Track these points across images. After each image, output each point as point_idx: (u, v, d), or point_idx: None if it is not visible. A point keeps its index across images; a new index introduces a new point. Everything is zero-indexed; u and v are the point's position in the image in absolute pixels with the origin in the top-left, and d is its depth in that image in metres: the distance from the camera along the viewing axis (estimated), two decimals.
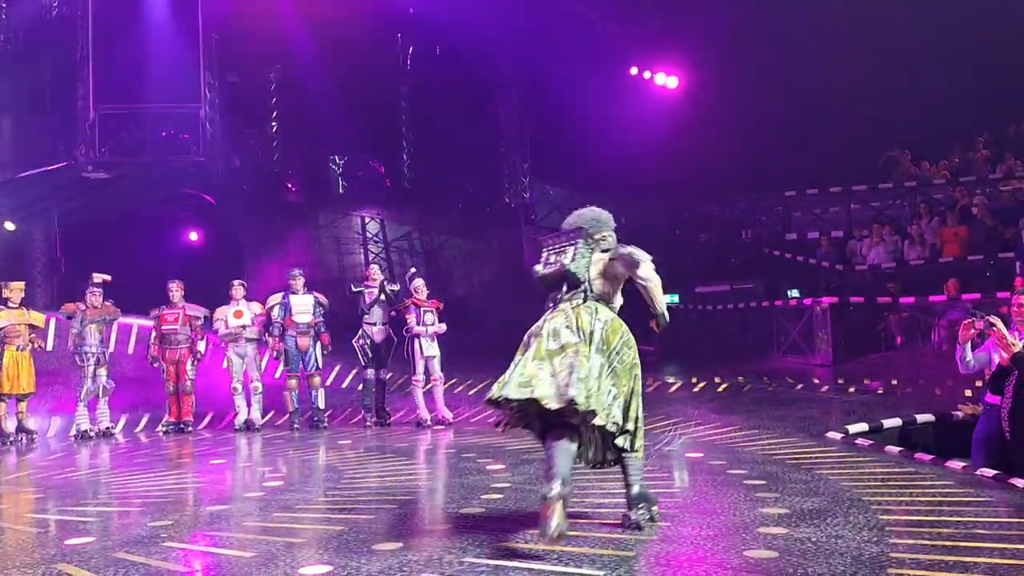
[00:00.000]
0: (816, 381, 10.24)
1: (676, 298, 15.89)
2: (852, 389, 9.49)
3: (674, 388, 10.26)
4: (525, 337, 3.84)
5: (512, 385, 3.58)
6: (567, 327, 3.71)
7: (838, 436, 6.43)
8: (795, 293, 13.34)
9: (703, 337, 14.39)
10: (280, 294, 8.87)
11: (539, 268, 4.12)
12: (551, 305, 3.96)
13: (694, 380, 10.51)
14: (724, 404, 8.69)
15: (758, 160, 15.40)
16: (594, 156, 15.70)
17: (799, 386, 9.92)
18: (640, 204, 17.78)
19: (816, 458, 5.50)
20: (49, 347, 9.65)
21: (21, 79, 16.34)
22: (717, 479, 4.89)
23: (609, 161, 15.58)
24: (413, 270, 9.06)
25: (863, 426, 6.85)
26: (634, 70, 17.23)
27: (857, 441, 6.28)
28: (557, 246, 4.10)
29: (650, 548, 3.43)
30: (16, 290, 8.61)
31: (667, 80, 17.41)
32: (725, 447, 6.12)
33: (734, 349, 13.40)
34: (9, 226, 16.06)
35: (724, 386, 10.06)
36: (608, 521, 3.91)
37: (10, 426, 8.34)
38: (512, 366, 3.70)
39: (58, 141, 15.31)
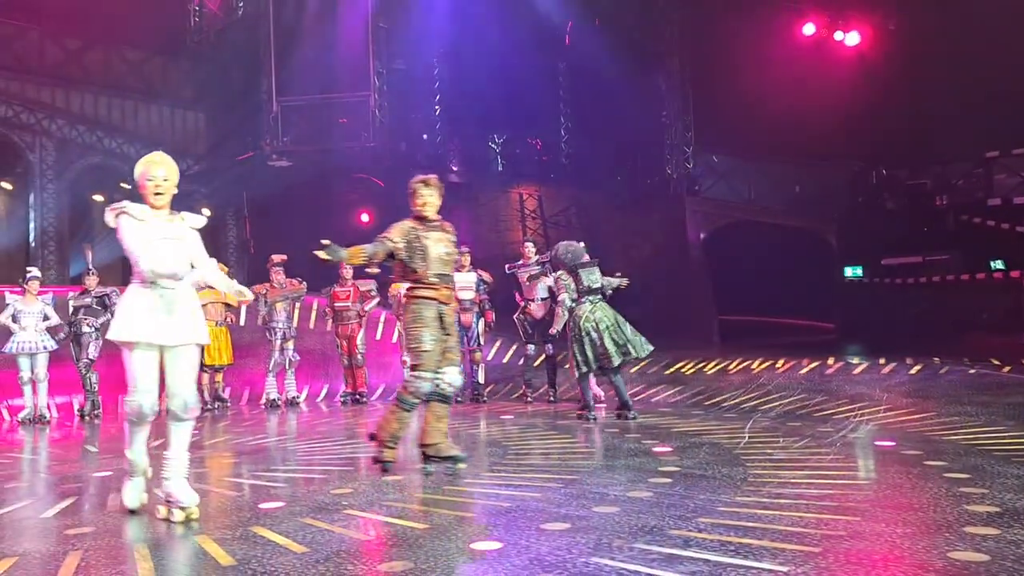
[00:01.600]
0: None
1: (860, 271, 14.85)
2: None
3: (859, 369, 9.57)
4: None
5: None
6: None
7: None
8: (999, 265, 12.06)
9: (890, 314, 13.34)
10: None
11: None
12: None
13: (881, 361, 9.75)
14: (917, 388, 7.99)
15: (953, 118, 13.97)
16: (764, 121, 14.85)
17: (1007, 369, 8.95)
18: (817, 170, 16.73)
19: None
20: (241, 323, 10.42)
21: (214, 76, 17.77)
22: (912, 471, 4.45)
23: (781, 126, 14.69)
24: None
25: None
26: (809, 28, 16.12)
27: None
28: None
29: (839, 544, 3.15)
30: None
31: (846, 37, 16.15)
32: (920, 436, 5.59)
33: (927, 327, 12.32)
34: (205, 212, 17.54)
35: (917, 368, 9.26)
36: (789, 512, 3.64)
37: (208, 394, 9.13)
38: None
39: (246, 132, 16.52)
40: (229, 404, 9.30)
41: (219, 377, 9.27)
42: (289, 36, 15.36)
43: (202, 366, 9.14)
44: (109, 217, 4.06)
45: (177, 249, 4.10)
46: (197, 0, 16.85)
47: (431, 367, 4.89)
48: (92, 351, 8.92)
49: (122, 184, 17.76)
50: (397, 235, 4.99)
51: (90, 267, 9.58)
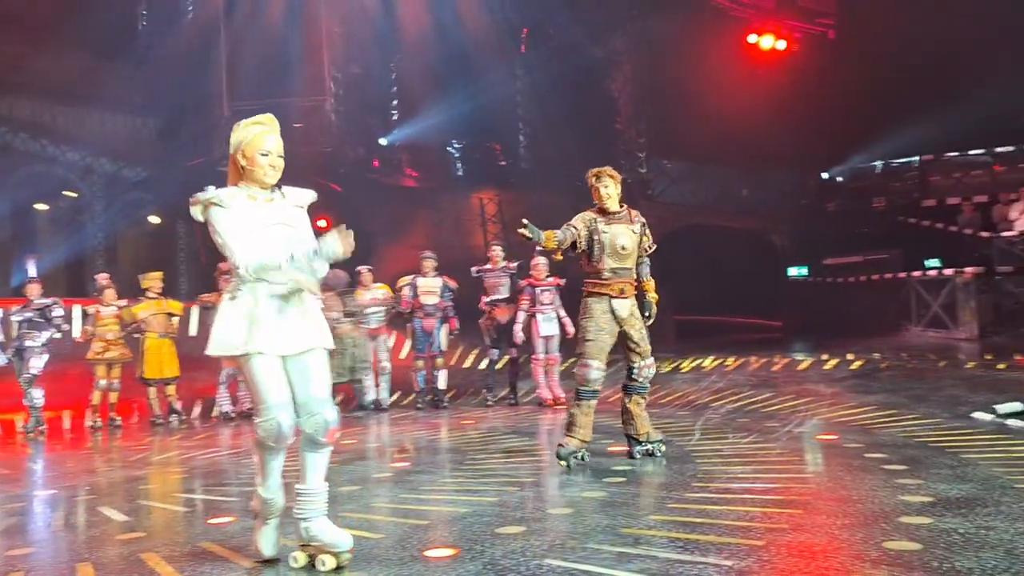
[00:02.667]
0: (961, 357, 9.60)
1: (804, 270, 15.27)
2: (1001, 365, 8.84)
3: (803, 366, 9.86)
4: None
5: None
6: None
7: (987, 417, 5.99)
8: (935, 263, 12.53)
9: (833, 312, 13.76)
10: (410, 276, 9.13)
11: None
12: None
13: (824, 357, 10.07)
14: (859, 383, 8.29)
15: (890, 123, 14.48)
16: (713, 127, 15.22)
17: (942, 363, 9.32)
18: (763, 174, 17.15)
19: (962, 441, 5.13)
20: (193, 332, 10.28)
21: (163, 81, 17.47)
22: (853, 464, 4.66)
23: (729, 132, 15.07)
24: (538, 248, 9.08)
25: (1015, 406, 6.31)
26: (752, 37, 16.55)
27: (1008, 422, 5.83)
28: None
29: (781, 537, 3.31)
30: (153, 280, 9.23)
31: (787, 45, 16.63)
32: (861, 429, 5.82)
33: (868, 324, 12.74)
34: (154, 220, 17.28)
35: (858, 363, 9.59)
36: (736, 507, 3.80)
37: (157, 408, 9.00)
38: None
39: (197, 137, 16.30)
40: (184, 416, 9.18)
41: (171, 390, 9.13)
42: (241, 39, 15.22)
43: (146, 380, 9.02)
44: (196, 211, 3.29)
45: (290, 237, 3.31)
46: (145, 5, 16.59)
47: (595, 355, 4.99)
48: (35, 366, 8.71)
49: (65, 192, 17.39)
50: (580, 224, 5.08)
51: (33, 276, 9.38)
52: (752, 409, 7.11)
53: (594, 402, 5.08)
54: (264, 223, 3.26)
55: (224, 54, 15.43)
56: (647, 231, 5.21)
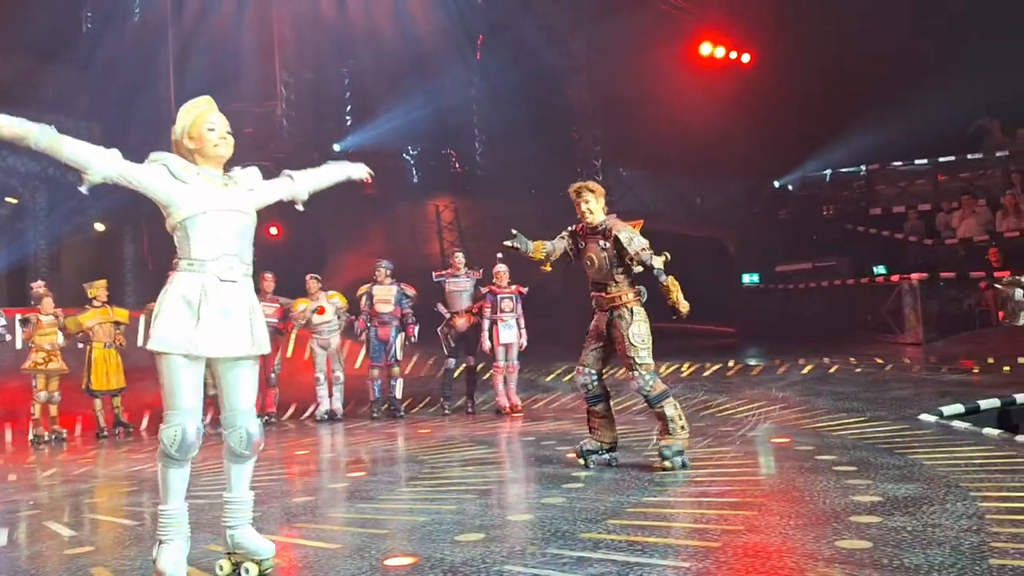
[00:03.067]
0: (907, 361, 9.86)
1: (756, 277, 15.54)
2: (945, 369, 9.11)
3: (756, 371, 10.03)
4: None
5: None
6: None
7: (932, 419, 6.17)
8: (881, 270, 12.88)
9: (784, 317, 14.03)
10: (368, 284, 9.05)
11: None
12: None
13: (777, 362, 10.25)
14: (809, 387, 8.45)
15: (837, 133, 14.86)
16: (668, 136, 15.44)
17: (888, 367, 9.56)
18: (717, 183, 17.43)
19: (909, 442, 5.28)
20: (141, 343, 10.03)
21: (108, 85, 17.05)
22: (805, 465, 4.75)
23: (684, 140, 15.31)
24: (499, 255, 9.08)
25: (958, 408, 6.55)
26: (706, 48, 16.84)
27: (952, 424, 6.02)
28: None
29: (737, 538, 3.35)
30: (99, 288, 8.96)
31: (739, 55, 16.96)
32: (812, 432, 5.94)
33: (818, 329, 13.03)
34: (99, 227, 16.83)
35: (809, 368, 9.78)
36: (693, 510, 3.84)
37: (103, 421, 8.75)
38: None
39: (144, 143, 15.91)
40: (132, 429, 8.94)
41: (117, 402, 8.88)
42: (189, 43, 14.95)
43: (92, 392, 8.75)
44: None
45: (240, 224, 3.23)
46: (89, 6, 16.19)
47: (584, 362, 5.17)
48: None
49: (7, 199, 16.86)
50: (564, 234, 5.21)
51: None
52: (707, 413, 7.21)
53: (600, 405, 5.16)
54: (221, 206, 3.18)
55: (172, 57, 15.14)
56: (628, 244, 5.01)
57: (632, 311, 5.06)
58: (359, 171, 3.82)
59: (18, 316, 9.65)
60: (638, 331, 5.03)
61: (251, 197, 3.34)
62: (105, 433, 8.69)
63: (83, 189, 3.08)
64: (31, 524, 4.60)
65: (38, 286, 9.11)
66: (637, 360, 5.00)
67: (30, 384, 8.75)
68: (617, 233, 5.06)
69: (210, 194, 3.17)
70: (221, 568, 3.27)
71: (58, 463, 7.22)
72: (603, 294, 5.15)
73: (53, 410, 8.71)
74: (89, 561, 3.65)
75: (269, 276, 9.23)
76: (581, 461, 5.08)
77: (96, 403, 8.76)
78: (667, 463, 4.82)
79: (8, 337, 8.76)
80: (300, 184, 3.55)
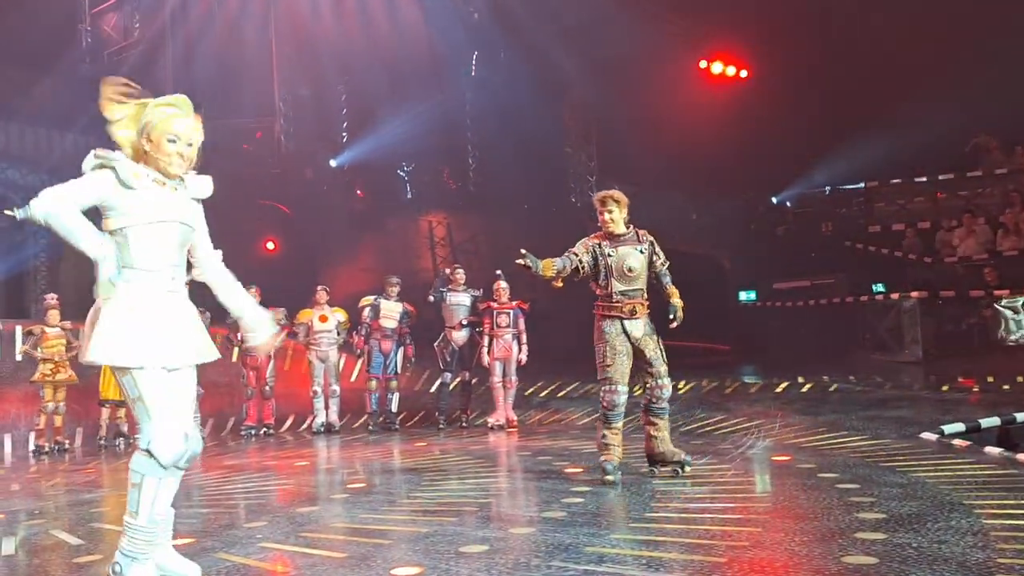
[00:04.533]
0: (907, 379, 9.87)
1: (753, 295, 15.54)
2: (945, 387, 9.11)
3: (754, 389, 10.03)
4: None
5: None
6: None
7: (933, 437, 6.16)
8: (880, 288, 12.88)
9: (782, 335, 14.03)
10: (373, 296, 9.05)
11: None
12: None
13: (775, 380, 10.24)
14: (809, 405, 8.44)
15: (836, 150, 14.93)
16: (663, 151, 15.48)
17: (888, 385, 9.56)
18: (713, 199, 17.44)
19: (911, 460, 5.27)
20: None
21: None
22: (807, 483, 4.73)
23: (679, 156, 15.36)
24: (499, 272, 9.09)
25: (959, 426, 6.54)
26: (703, 63, 16.94)
27: (954, 442, 6.01)
28: None
29: (743, 554, 3.34)
30: None
31: (736, 71, 17.05)
32: (813, 450, 5.93)
33: (816, 347, 13.02)
34: None
35: (808, 386, 9.78)
36: (696, 526, 3.82)
37: (105, 430, 8.74)
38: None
39: None
40: (132, 440, 8.90)
41: (122, 413, 8.86)
42: (188, 58, 15.00)
43: (103, 401, 8.76)
44: (88, 162, 2.97)
45: (183, 235, 3.08)
46: (88, 21, 16.24)
47: (618, 379, 5.01)
48: None
49: (6, 211, 16.85)
50: (581, 249, 5.08)
51: None
52: (705, 431, 7.19)
53: (621, 423, 5.10)
54: (167, 216, 2.99)
55: (170, 73, 15.18)
56: (656, 249, 5.26)
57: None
58: (260, 335, 3.39)
59: (18, 328, 9.62)
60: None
61: (197, 212, 3.17)
62: (104, 442, 8.68)
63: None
64: (37, 533, 4.56)
65: (51, 298, 9.11)
66: (667, 368, 5.12)
67: (31, 395, 8.74)
68: (652, 240, 5.17)
69: (157, 203, 2.97)
70: None
71: (61, 473, 7.18)
72: (641, 301, 5.16)
73: (58, 420, 8.69)
74: (97, 570, 3.63)
75: (253, 290, 9.23)
76: (610, 479, 4.97)
77: (104, 412, 8.76)
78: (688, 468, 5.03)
79: None
80: (217, 280, 3.28)
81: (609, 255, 5.13)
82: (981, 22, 13.98)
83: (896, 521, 3.72)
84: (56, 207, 2.82)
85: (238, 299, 3.32)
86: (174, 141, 3.00)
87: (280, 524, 4.40)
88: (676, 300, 5.24)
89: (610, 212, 5.16)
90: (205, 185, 3.18)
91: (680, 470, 5.09)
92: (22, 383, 9.16)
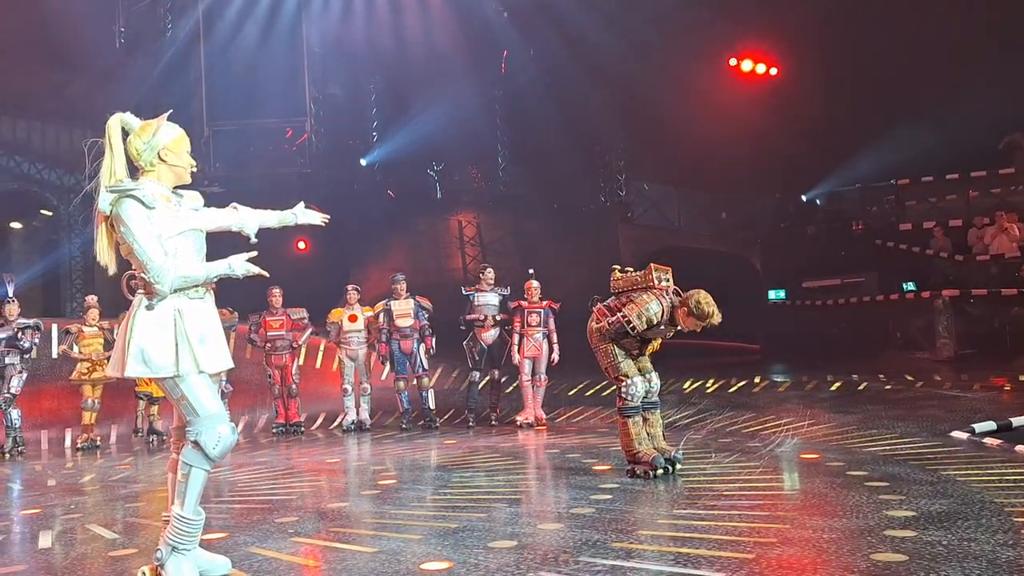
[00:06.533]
0: (938, 378, 9.75)
1: (783, 293, 15.42)
2: (977, 386, 9.00)
3: (783, 387, 9.97)
4: None
5: None
6: None
7: (964, 436, 6.10)
8: (911, 286, 12.73)
9: (812, 334, 13.91)
10: (383, 301, 9.13)
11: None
12: None
13: (804, 379, 10.17)
14: (838, 403, 8.39)
15: (866, 148, 14.77)
16: (692, 150, 15.43)
17: (919, 384, 9.46)
18: (742, 198, 17.34)
19: (941, 459, 5.23)
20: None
21: (140, 100, 17.37)
22: (836, 481, 4.72)
23: (708, 155, 15.28)
24: (531, 271, 9.11)
25: (991, 425, 6.45)
26: (732, 61, 16.83)
27: (985, 441, 5.94)
28: None
29: (771, 550, 3.35)
30: None
31: (767, 69, 16.93)
32: (842, 448, 5.90)
33: (846, 346, 12.91)
34: None
35: (837, 384, 9.71)
36: (724, 522, 3.84)
37: (140, 422, 8.95)
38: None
39: None
40: (164, 437, 9.08)
41: (155, 409, 9.05)
42: (220, 60, 15.21)
43: (140, 394, 8.97)
44: (107, 201, 3.09)
45: (199, 242, 3.30)
46: (122, 22, 16.52)
47: (632, 372, 5.21)
48: (15, 385, 8.59)
49: (43, 211, 17.20)
50: (667, 295, 5.18)
51: (11, 296, 9.26)
52: (734, 429, 7.18)
53: (639, 417, 5.20)
54: (179, 227, 3.19)
55: (203, 73, 15.40)
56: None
57: None
58: (315, 217, 3.75)
59: (55, 326, 9.84)
60: None
61: (200, 217, 3.37)
62: (141, 434, 8.90)
63: (153, 303, 3.16)
64: (75, 527, 4.69)
65: (91, 298, 9.35)
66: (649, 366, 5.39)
67: (68, 392, 8.96)
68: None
69: (174, 217, 3.19)
70: (144, 574, 3.29)
71: (96, 468, 7.35)
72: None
73: (94, 417, 8.90)
74: (134, 563, 3.72)
75: (277, 291, 9.40)
76: (660, 471, 5.06)
77: (140, 404, 8.96)
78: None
79: (37, 341, 8.90)
80: (245, 218, 3.51)
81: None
82: (1013, 19, 13.75)
83: (926, 519, 3.71)
84: (169, 278, 3.10)
85: (275, 215, 3.65)
86: (188, 160, 3.33)
87: (311, 519, 4.49)
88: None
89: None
90: (197, 199, 3.44)
91: (671, 467, 5.13)
92: (59, 380, 9.37)
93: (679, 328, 5.18)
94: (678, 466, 5.18)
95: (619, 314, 5.11)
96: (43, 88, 17.46)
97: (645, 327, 5.05)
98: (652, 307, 5.06)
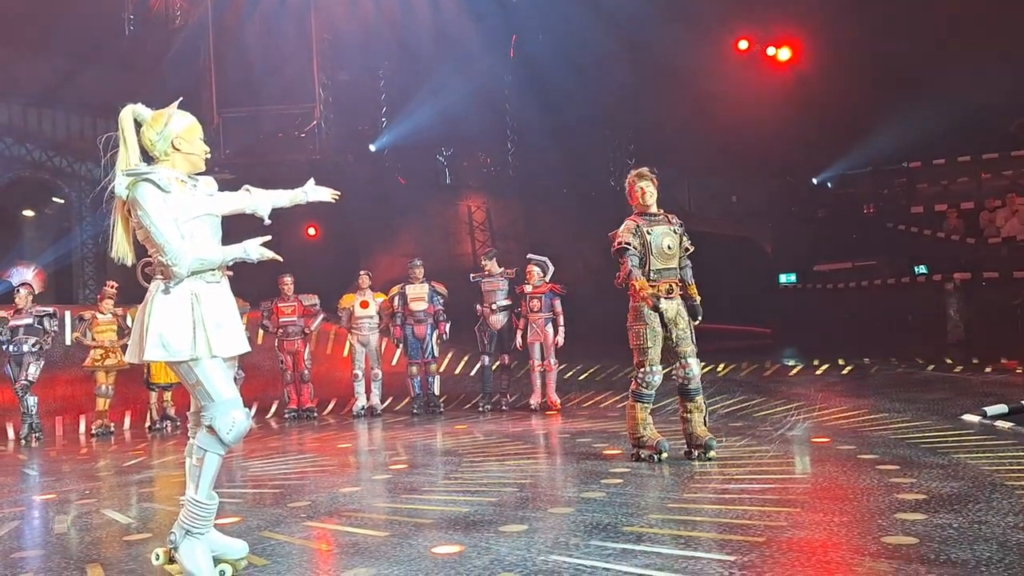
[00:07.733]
0: (948, 361, 9.72)
1: (794, 277, 15.38)
2: (988, 369, 8.96)
3: (794, 371, 9.96)
4: None
5: None
6: None
7: (975, 419, 6.09)
8: (923, 269, 12.66)
9: (823, 317, 13.88)
10: (399, 285, 9.17)
11: None
12: None
13: (815, 362, 10.16)
14: (849, 387, 8.38)
15: (877, 130, 14.65)
16: (702, 134, 15.34)
17: (930, 367, 9.44)
18: (753, 181, 17.25)
19: (952, 442, 5.23)
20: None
21: (150, 87, 17.39)
22: (847, 464, 4.73)
23: (718, 139, 15.20)
24: (530, 256, 9.10)
25: (1002, 408, 6.43)
26: (743, 44, 16.69)
27: (996, 424, 5.93)
28: None
29: (781, 534, 3.37)
30: None
31: (778, 52, 16.76)
32: (853, 431, 5.90)
33: (857, 329, 12.87)
34: None
35: (849, 368, 9.69)
36: (734, 506, 3.85)
37: (156, 412, 9.01)
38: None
39: None
40: (179, 423, 9.16)
41: (168, 396, 9.13)
42: (230, 46, 15.20)
43: (151, 384, 9.03)
44: (122, 186, 3.11)
45: (215, 226, 3.30)
46: (131, 9, 16.51)
47: (656, 360, 5.10)
48: (33, 372, 8.67)
49: (54, 199, 17.30)
50: (629, 236, 5.11)
51: (26, 281, 9.33)
52: (744, 413, 7.18)
53: (648, 404, 5.19)
54: (195, 212, 3.20)
55: (212, 60, 15.39)
56: (685, 232, 5.30)
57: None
58: (324, 194, 3.71)
59: (68, 313, 9.92)
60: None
61: (215, 201, 3.36)
62: (158, 425, 8.96)
63: (170, 286, 3.14)
64: (90, 511, 4.75)
65: (109, 285, 9.40)
66: (694, 348, 5.17)
67: (81, 379, 9.02)
68: (681, 222, 5.24)
69: (190, 201, 3.20)
70: (157, 557, 3.31)
71: (111, 454, 7.43)
72: (675, 280, 5.20)
73: (106, 404, 8.98)
74: (148, 548, 3.75)
75: (288, 280, 9.45)
76: (664, 455, 5.08)
77: (152, 395, 9.04)
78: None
79: (55, 329, 8.98)
80: (259, 199, 3.49)
81: (648, 233, 5.14)
82: None
83: (937, 502, 3.72)
84: (187, 260, 3.10)
85: (286, 194, 3.63)
86: (202, 139, 3.34)
87: (323, 504, 4.53)
88: (696, 297, 5.26)
89: (647, 186, 5.20)
90: (212, 184, 3.42)
91: (704, 454, 5.11)
92: (73, 367, 9.45)
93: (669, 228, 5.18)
94: (710, 452, 5.10)
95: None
96: (53, 76, 17.50)
97: (632, 237, 5.09)
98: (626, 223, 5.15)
